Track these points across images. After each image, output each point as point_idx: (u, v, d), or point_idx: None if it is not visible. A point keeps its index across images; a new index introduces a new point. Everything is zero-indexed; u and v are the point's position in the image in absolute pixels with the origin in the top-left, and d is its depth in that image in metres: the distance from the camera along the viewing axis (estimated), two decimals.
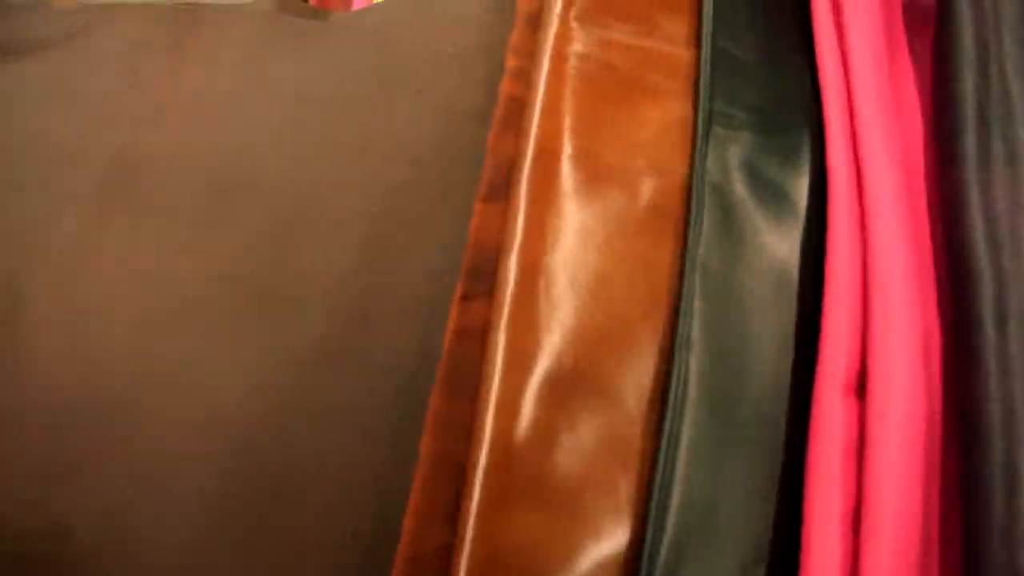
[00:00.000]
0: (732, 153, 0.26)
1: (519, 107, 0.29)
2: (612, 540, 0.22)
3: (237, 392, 0.28)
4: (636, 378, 0.24)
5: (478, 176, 0.29)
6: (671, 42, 0.30)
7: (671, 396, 0.23)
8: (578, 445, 0.23)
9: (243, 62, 0.38)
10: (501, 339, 0.24)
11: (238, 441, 0.28)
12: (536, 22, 0.33)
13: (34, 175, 0.36)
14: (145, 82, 0.38)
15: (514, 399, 0.23)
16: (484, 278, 0.26)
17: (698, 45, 0.30)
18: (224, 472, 0.27)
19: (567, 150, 0.27)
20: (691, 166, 0.26)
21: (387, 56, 0.35)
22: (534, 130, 0.27)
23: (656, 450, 0.22)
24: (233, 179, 0.34)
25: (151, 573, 0.27)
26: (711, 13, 0.30)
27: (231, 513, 0.27)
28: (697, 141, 0.26)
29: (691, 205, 0.25)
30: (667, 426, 0.22)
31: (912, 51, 0.29)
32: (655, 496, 0.22)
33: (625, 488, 0.23)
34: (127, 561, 0.27)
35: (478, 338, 0.25)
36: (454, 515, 0.23)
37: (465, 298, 0.26)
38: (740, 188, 0.26)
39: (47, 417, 0.29)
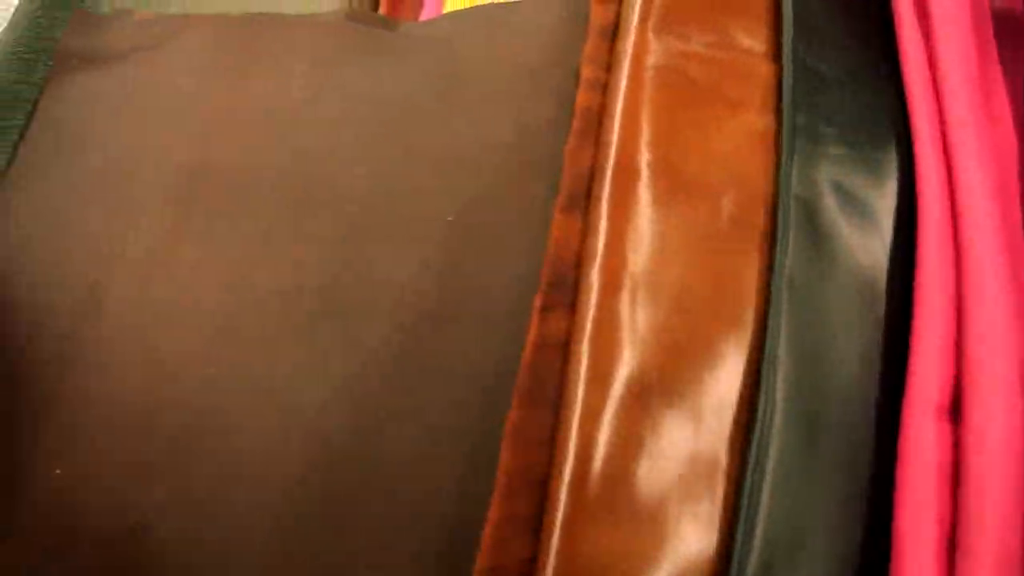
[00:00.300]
0: (818, 167, 0.26)
1: (596, 118, 0.29)
2: (696, 557, 0.22)
3: (314, 396, 0.29)
4: (718, 393, 0.24)
5: (553, 185, 0.29)
6: (749, 53, 0.30)
7: (759, 415, 0.22)
8: (661, 459, 0.23)
9: (313, 71, 0.38)
10: (584, 352, 0.24)
11: (316, 445, 0.28)
12: (610, 33, 0.32)
13: (112, 183, 0.37)
14: (218, 91, 0.39)
15: (597, 413, 0.23)
16: (564, 289, 0.26)
17: (777, 55, 0.30)
18: (301, 477, 0.28)
19: (647, 162, 0.27)
20: (777, 180, 0.26)
21: (458, 65, 0.36)
22: (614, 142, 0.27)
23: (743, 469, 0.22)
24: (307, 187, 0.34)
25: (229, 574, 0.27)
26: (791, 23, 0.29)
27: (308, 517, 0.27)
28: (783, 155, 0.26)
29: (777, 219, 0.25)
30: (755, 445, 0.22)
31: (1003, 60, 0.28)
32: (743, 515, 0.21)
33: (708, 505, 0.22)
34: (205, 561, 0.28)
35: (558, 349, 0.25)
36: (535, 528, 0.23)
37: (545, 309, 0.26)
38: (827, 202, 0.25)
39: (129, 419, 0.30)
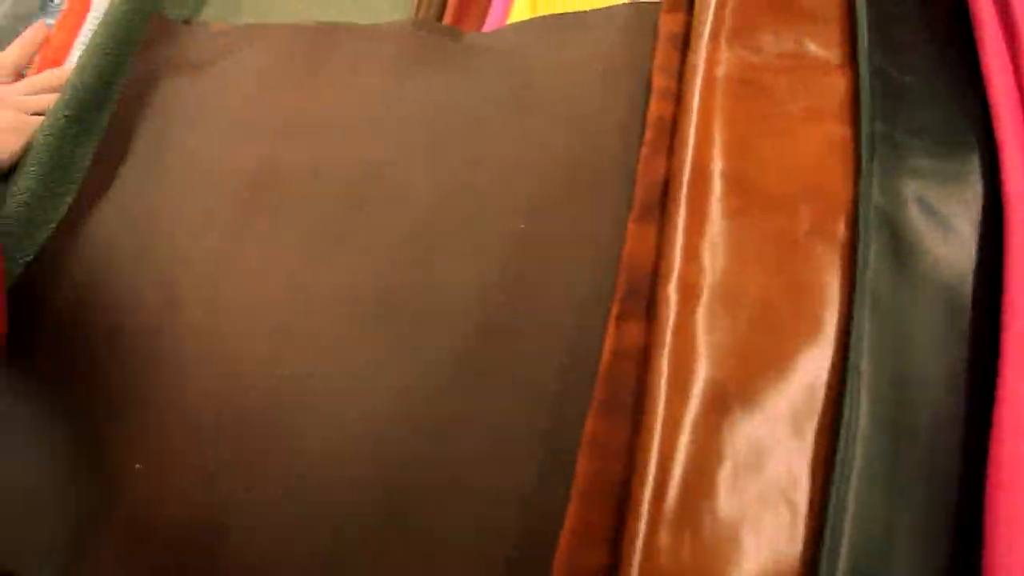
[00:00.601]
0: (899, 179, 0.26)
1: (669, 128, 0.29)
2: (779, 565, 0.21)
3: (378, 400, 0.29)
4: (796, 404, 0.23)
5: (622, 193, 0.29)
6: (823, 62, 0.30)
7: (844, 423, 0.22)
8: (740, 469, 0.22)
9: (380, 80, 0.39)
10: (663, 364, 0.24)
11: (380, 448, 0.28)
12: (680, 42, 0.32)
13: (187, 185, 0.38)
14: (285, 98, 0.40)
15: (678, 423, 0.23)
16: (640, 298, 0.26)
17: (851, 65, 0.29)
18: (366, 479, 0.28)
19: (723, 172, 0.27)
20: (857, 191, 0.25)
21: (524, 75, 0.36)
22: (689, 153, 0.27)
23: (828, 476, 0.22)
24: (372, 192, 0.35)
25: (296, 572, 0.28)
26: (866, 30, 0.29)
27: (374, 517, 0.27)
28: (863, 166, 0.26)
29: (859, 231, 0.24)
30: (841, 453, 0.22)
31: None
32: (830, 520, 0.21)
33: (788, 515, 0.22)
34: (275, 561, 0.28)
35: (636, 359, 0.25)
36: (610, 537, 0.23)
37: (621, 318, 0.26)
38: (910, 214, 0.25)
39: (203, 418, 0.30)
